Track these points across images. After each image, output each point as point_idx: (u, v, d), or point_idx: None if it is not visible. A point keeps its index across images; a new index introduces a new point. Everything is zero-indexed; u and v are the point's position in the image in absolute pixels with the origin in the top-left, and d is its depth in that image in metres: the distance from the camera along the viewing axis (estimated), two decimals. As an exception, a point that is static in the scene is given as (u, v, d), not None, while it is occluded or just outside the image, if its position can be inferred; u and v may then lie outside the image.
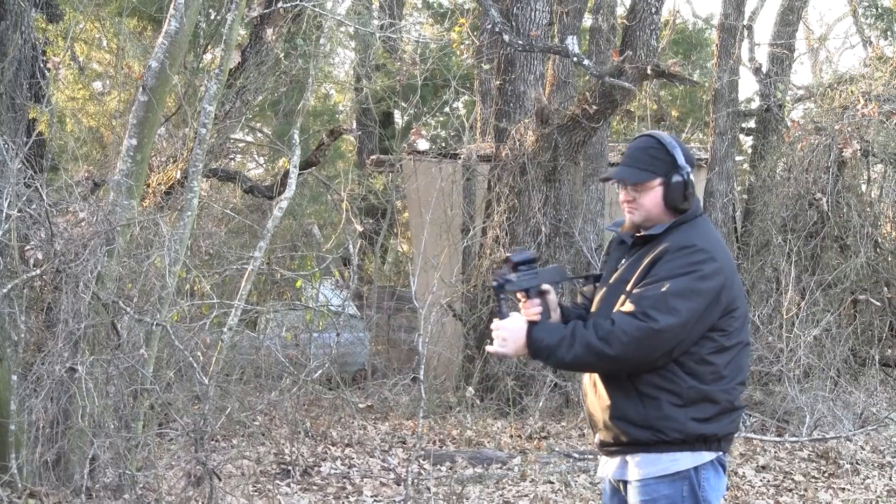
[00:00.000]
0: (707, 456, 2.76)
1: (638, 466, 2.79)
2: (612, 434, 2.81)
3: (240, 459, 6.16)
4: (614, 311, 2.76)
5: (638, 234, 2.88)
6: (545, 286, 2.90)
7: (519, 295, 2.87)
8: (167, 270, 5.43)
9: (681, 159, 2.82)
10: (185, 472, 5.19)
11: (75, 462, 5.20)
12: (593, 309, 2.91)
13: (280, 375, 7.28)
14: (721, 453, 2.80)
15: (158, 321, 5.35)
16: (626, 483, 2.85)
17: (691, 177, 2.84)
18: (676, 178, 2.81)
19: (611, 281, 2.88)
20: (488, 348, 2.84)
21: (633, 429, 2.75)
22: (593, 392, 2.87)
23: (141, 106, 5.76)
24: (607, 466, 2.91)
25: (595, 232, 9.78)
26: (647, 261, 2.77)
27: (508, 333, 2.79)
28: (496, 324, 2.82)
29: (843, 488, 6.41)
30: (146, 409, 5.40)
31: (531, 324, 2.80)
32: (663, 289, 2.67)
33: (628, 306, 2.70)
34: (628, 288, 2.77)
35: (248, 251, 7.99)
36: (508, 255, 2.91)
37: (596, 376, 2.84)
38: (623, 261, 2.89)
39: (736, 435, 7.10)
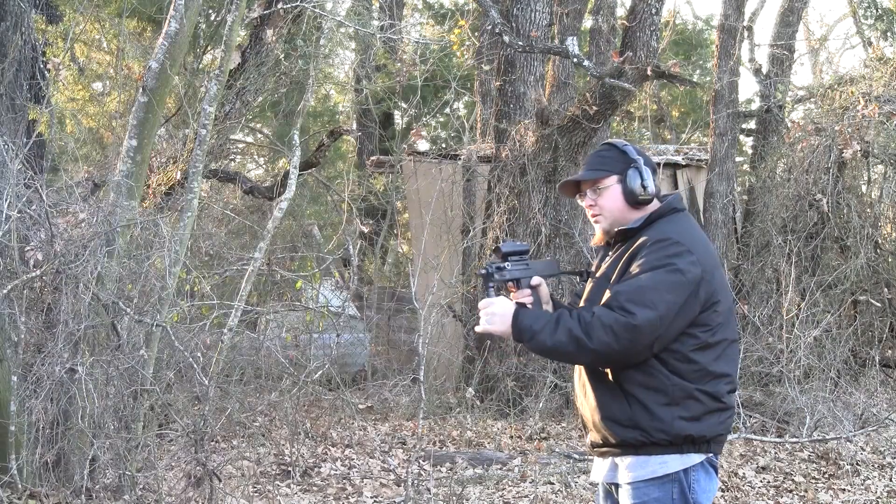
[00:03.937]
0: (696, 458, 2.75)
1: (628, 469, 2.79)
2: (602, 435, 2.82)
3: (240, 460, 6.16)
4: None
5: (618, 230, 2.90)
6: (536, 279, 2.92)
7: (509, 286, 2.89)
8: (167, 271, 5.44)
9: (633, 154, 2.90)
10: (185, 472, 5.19)
11: (75, 463, 5.19)
12: (580, 305, 2.93)
13: (280, 376, 7.29)
14: (711, 454, 2.78)
15: (158, 322, 5.35)
16: (617, 486, 2.86)
17: (647, 169, 2.87)
18: (630, 172, 2.87)
19: (595, 277, 2.93)
20: (477, 328, 2.85)
21: (621, 429, 2.75)
22: (583, 393, 2.88)
23: (141, 107, 5.76)
24: (599, 470, 2.93)
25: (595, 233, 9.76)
26: (626, 256, 2.80)
27: (497, 310, 2.79)
28: (485, 301, 2.82)
29: (844, 489, 6.41)
30: (146, 410, 5.40)
31: (520, 305, 2.83)
32: (640, 282, 2.69)
33: (607, 300, 2.72)
34: (610, 284, 2.80)
35: (248, 252, 7.99)
36: (499, 245, 2.93)
37: (586, 378, 2.85)
38: (606, 258, 2.94)
39: (734, 437, 7.12)
